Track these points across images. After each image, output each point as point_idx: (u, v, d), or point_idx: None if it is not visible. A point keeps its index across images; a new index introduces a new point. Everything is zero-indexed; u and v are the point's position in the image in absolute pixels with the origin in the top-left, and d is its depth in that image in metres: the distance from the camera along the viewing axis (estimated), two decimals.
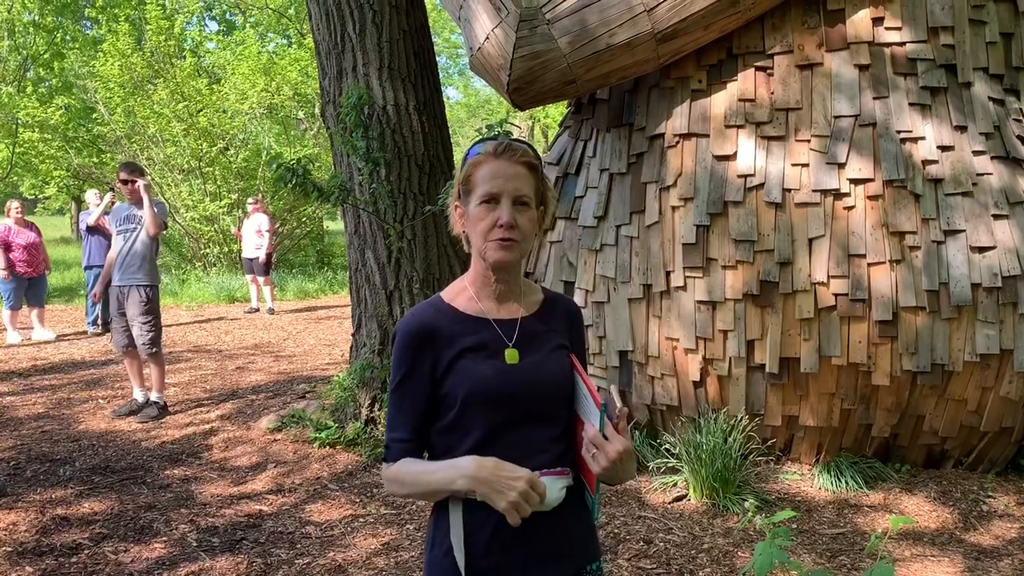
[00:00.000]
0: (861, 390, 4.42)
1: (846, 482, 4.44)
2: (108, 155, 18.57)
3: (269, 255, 12.33)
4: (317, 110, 16.80)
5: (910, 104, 4.51)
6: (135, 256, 6.04)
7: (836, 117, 4.53)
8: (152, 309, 6.07)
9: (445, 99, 6.46)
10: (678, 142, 4.78)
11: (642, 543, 3.81)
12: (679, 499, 4.34)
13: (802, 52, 4.64)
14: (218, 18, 28.02)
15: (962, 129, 4.49)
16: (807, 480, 4.55)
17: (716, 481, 4.23)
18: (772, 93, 4.65)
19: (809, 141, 4.52)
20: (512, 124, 5.22)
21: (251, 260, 12.25)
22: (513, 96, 4.82)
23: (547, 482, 1.53)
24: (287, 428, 5.63)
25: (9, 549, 3.79)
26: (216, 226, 16.02)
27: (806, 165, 4.49)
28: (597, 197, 5.01)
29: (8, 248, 9.56)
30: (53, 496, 4.52)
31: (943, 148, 4.44)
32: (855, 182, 4.42)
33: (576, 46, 4.55)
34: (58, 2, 23.38)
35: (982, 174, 4.42)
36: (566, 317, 1.72)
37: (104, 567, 3.64)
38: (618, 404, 1.55)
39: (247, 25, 25.93)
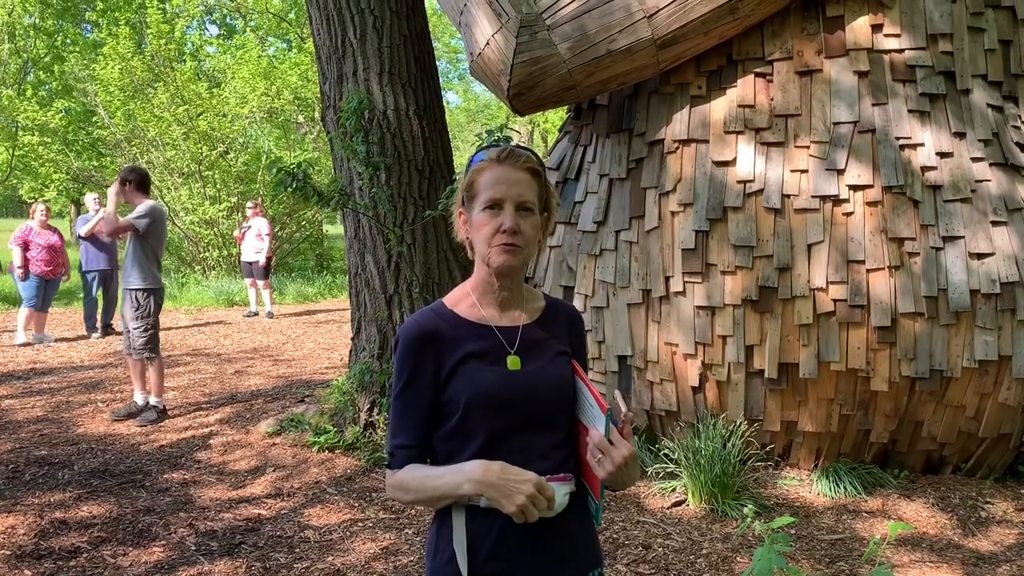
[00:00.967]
0: (860, 396, 4.43)
1: (845, 488, 4.44)
2: (108, 158, 18.59)
3: (269, 259, 12.34)
4: (317, 114, 16.82)
5: (909, 111, 4.53)
6: (129, 260, 6.07)
7: (835, 123, 4.54)
8: (144, 314, 6.05)
9: (445, 104, 6.47)
10: (678, 148, 4.79)
11: (641, 548, 3.81)
12: (678, 504, 4.34)
13: (801, 58, 4.65)
14: (218, 22, 28.04)
15: (961, 136, 4.50)
16: (806, 485, 4.55)
17: (715, 486, 4.24)
18: (771, 99, 4.66)
19: (808, 147, 4.54)
20: (512, 129, 5.23)
21: (251, 264, 12.25)
22: (513, 101, 4.83)
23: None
24: (286, 432, 5.63)
25: (7, 552, 3.79)
26: (215, 230, 16.02)
27: (805, 171, 4.51)
28: (597, 202, 5.02)
29: (27, 247, 9.61)
30: (52, 499, 4.52)
31: (942, 155, 4.45)
32: (854, 188, 4.43)
33: (576, 52, 4.56)
34: (59, 5, 23.42)
35: (981, 181, 4.43)
36: (567, 323, 1.73)
37: (103, 571, 3.63)
38: (623, 409, 1.54)
39: (247, 29, 25.96)
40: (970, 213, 4.38)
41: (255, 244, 12.12)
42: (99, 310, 10.42)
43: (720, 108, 4.75)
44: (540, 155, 1.64)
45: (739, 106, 4.69)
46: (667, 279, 4.69)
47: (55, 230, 10.07)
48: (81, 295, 10.98)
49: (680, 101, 4.87)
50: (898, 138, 4.48)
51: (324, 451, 5.25)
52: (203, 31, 27.11)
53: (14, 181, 23.40)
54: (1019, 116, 4.71)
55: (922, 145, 4.47)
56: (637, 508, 4.32)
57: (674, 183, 4.74)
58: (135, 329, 6.04)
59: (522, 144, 1.63)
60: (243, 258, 12.48)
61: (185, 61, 17.50)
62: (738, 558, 3.69)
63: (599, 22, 4.52)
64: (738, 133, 4.67)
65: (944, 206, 4.39)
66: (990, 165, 4.47)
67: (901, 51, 4.58)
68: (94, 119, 18.74)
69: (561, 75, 4.63)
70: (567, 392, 1.63)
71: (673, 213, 4.71)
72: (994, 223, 4.36)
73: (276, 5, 24.53)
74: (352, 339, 5.85)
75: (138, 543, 3.94)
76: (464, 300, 1.65)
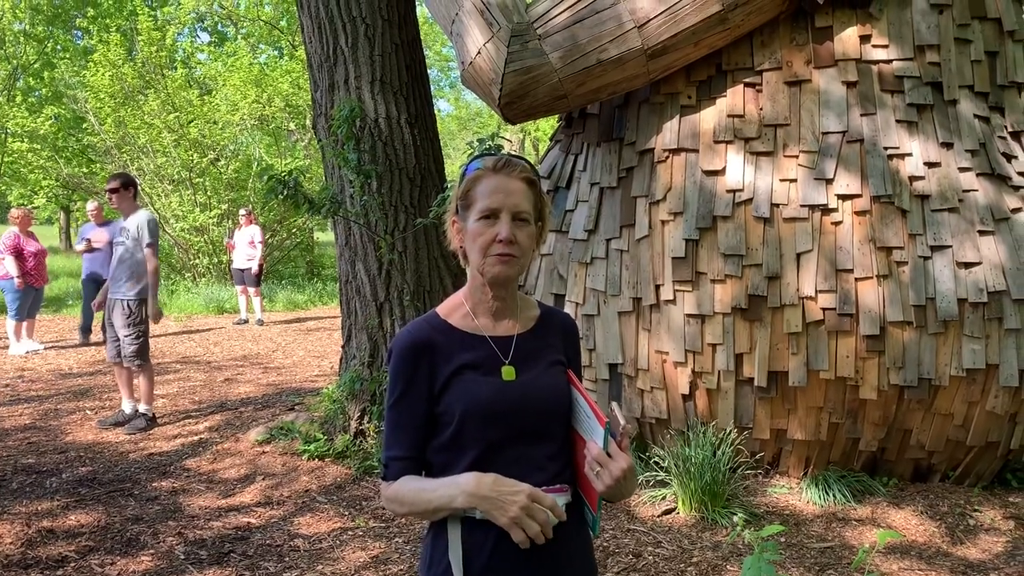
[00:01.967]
0: (849, 404, 4.45)
1: (834, 496, 4.45)
2: (98, 165, 18.52)
3: (260, 266, 12.31)
4: (308, 122, 16.82)
5: (897, 121, 4.57)
6: (121, 269, 6.02)
7: (824, 133, 4.57)
8: (136, 322, 6.03)
9: (436, 112, 6.48)
10: (668, 157, 4.82)
11: (631, 556, 3.81)
12: (668, 512, 4.34)
13: (790, 69, 4.69)
14: (210, 29, 28.05)
15: (948, 146, 4.54)
16: (795, 493, 4.56)
17: (705, 494, 4.24)
18: (761, 109, 4.69)
19: (797, 157, 4.57)
20: (503, 137, 5.24)
21: (242, 271, 12.22)
22: (504, 110, 4.84)
23: None
24: (276, 440, 5.61)
25: None
26: (206, 237, 15.98)
27: (794, 180, 4.54)
28: (588, 211, 5.04)
29: (20, 256, 9.44)
30: (39, 508, 4.49)
31: (930, 164, 4.49)
32: (843, 198, 4.46)
33: (567, 61, 4.58)
34: (49, 12, 23.36)
35: (968, 190, 4.47)
36: (562, 332, 1.72)
37: None
38: (621, 421, 1.53)
39: (239, 37, 25.97)
40: (958, 223, 4.41)
41: (247, 251, 12.09)
42: (86, 314, 10.34)
43: (710, 118, 4.77)
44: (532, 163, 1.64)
45: (728, 116, 4.72)
46: (657, 287, 4.71)
47: (33, 235, 9.94)
48: (71, 302, 10.91)
49: (670, 111, 4.89)
50: (886, 148, 4.51)
51: (314, 459, 5.23)
52: (194, 38, 27.12)
53: (3, 187, 23.29)
54: (1005, 127, 4.76)
55: (910, 155, 4.51)
56: (627, 516, 4.32)
57: (664, 192, 4.76)
58: (126, 337, 6.01)
59: (518, 154, 1.63)
60: (234, 265, 12.45)
61: (176, 68, 17.48)
62: (728, 566, 3.70)
63: (590, 32, 4.54)
64: (728, 143, 4.70)
65: (932, 215, 4.42)
66: (977, 175, 4.52)
67: (889, 62, 4.63)
68: (84, 126, 18.70)
69: (552, 84, 4.65)
70: (562, 402, 1.62)
71: (663, 222, 4.74)
72: (981, 232, 4.40)
73: (267, 13, 24.57)
74: (343, 347, 5.84)
75: (126, 552, 3.92)
76: (458, 310, 1.64)
